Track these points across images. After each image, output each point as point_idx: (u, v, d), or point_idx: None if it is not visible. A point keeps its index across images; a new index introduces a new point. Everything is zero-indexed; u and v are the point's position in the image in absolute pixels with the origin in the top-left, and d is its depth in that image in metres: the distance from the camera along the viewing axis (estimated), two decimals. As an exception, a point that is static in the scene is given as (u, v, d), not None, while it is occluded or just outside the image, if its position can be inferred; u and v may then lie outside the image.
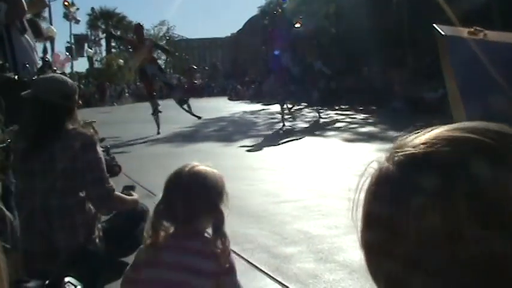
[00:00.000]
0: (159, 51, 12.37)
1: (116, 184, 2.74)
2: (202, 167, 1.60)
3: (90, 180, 2.48)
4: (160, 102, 10.47)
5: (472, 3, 9.55)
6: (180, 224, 1.57)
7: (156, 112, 10.00)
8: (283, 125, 10.75)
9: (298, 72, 10.96)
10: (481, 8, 10.15)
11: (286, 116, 11.18)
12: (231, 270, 1.58)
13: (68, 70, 19.67)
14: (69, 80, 2.73)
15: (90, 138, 2.55)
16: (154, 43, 10.74)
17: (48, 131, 2.49)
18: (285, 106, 11.23)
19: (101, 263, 2.50)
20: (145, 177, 5.06)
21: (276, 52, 10.92)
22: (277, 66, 10.97)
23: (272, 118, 12.77)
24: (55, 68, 11.48)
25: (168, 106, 11.42)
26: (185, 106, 10.81)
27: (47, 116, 2.50)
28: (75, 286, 1.49)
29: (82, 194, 2.51)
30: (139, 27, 10.47)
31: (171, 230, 1.59)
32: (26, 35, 3.79)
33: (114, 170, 5.38)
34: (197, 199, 1.55)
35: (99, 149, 2.60)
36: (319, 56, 14.15)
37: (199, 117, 10.92)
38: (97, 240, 2.55)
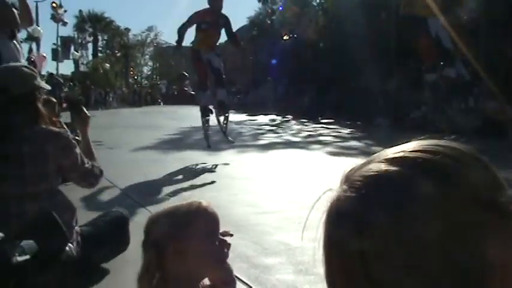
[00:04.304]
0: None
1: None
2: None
3: (78, 177, 2.57)
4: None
5: None
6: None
7: (205, 114, 7.91)
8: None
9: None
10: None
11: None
12: None
13: (44, 71, 19.23)
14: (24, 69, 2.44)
15: (65, 139, 2.44)
16: (227, 26, 7.84)
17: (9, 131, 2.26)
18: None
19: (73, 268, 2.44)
20: (127, 183, 5.00)
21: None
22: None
23: (257, 129, 12.77)
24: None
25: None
26: (222, 118, 8.14)
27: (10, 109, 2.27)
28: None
29: (59, 197, 2.47)
30: None
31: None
32: (14, 40, 3.92)
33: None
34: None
35: (75, 146, 2.52)
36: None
37: (232, 141, 8.50)
38: (74, 244, 2.48)
